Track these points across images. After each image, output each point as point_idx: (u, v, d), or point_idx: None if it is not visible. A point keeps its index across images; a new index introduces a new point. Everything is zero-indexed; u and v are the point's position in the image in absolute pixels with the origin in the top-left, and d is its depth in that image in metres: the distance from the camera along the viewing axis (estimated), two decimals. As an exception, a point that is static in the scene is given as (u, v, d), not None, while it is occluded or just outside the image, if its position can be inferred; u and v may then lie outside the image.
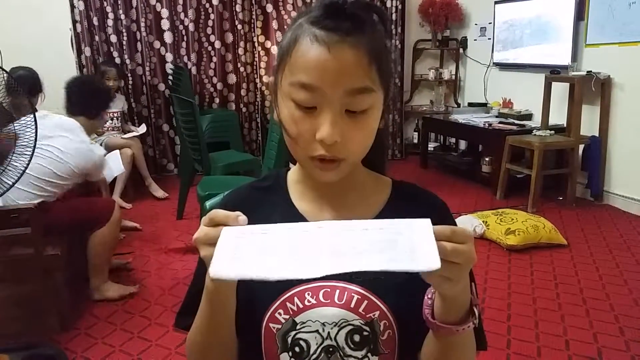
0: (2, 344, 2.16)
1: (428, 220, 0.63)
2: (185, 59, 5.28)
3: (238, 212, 0.67)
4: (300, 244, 0.62)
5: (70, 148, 2.69)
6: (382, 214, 0.85)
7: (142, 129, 4.85)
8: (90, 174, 2.89)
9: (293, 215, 0.85)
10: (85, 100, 2.94)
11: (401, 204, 0.86)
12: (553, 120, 4.52)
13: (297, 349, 0.79)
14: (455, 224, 0.88)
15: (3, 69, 2.55)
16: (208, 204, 1.08)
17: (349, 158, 0.77)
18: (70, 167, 2.68)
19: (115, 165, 3.91)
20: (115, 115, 4.59)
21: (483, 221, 3.58)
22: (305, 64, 0.73)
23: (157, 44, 5.20)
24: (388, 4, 5.80)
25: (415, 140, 6.16)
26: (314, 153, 0.75)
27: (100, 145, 4.43)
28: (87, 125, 2.91)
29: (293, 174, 0.91)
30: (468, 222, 3.57)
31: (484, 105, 5.56)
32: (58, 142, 2.66)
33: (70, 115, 2.88)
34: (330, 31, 0.72)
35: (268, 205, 0.88)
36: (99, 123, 3.21)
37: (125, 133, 4.66)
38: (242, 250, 0.62)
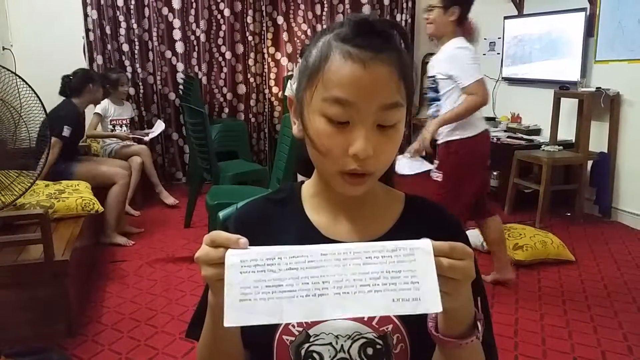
0: (10, 348, 2.17)
1: (429, 243, 0.64)
2: (196, 68, 5.34)
3: (238, 235, 0.67)
4: (305, 278, 0.63)
5: None
6: (395, 228, 0.86)
7: (161, 126, 4.80)
8: None
9: (308, 229, 0.86)
10: None
11: (414, 219, 0.87)
12: (562, 135, 4.52)
13: None
14: (467, 238, 0.89)
15: (18, 76, 2.59)
16: (221, 214, 1.08)
17: (377, 172, 0.78)
18: None
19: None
20: (125, 122, 4.60)
21: (490, 235, 3.56)
22: (339, 80, 0.74)
23: (168, 54, 5.26)
24: (398, 18, 5.83)
25: (423, 154, 6.14)
26: (345, 168, 0.76)
27: (110, 152, 4.47)
28: None
29: (308, 188, 0.91)
30: (475, 237, 3.56)
31: (493, 119, 5.55)
32: None
33: None
34: (363, 48, 0.74)
35: (283, 218, 0.88)
36: None
37: (135, 141, 4.66)
38: (251, 290, 0.63)
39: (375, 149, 0.74)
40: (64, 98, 3.79)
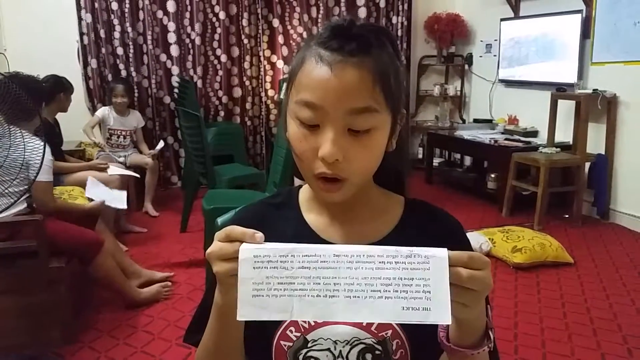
0: (6, 356, 2.15)
1: (445, 253, 0.62)
2: (191, 72, 5.31)
3: (254, 230, 0.67)
4: (317, 278, 0.63)
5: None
6: (395, 232, 0.85)
7: (160, 145, 4.69)
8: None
9: (305, 232, 0.86)
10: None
11: (414, 222, 0.86)
12: (559, 137, 4.52)
13: None
14: (469, 243, 0.88)
15: (12, 80, 2.57)
16: (220, 220, 1.06)
17: (352, 178, 0.77)
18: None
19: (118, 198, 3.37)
20: (124, 133, 4.45)
21: (489, 238, 3.56)
22: (309, 83, 0.74)
23: (163, 57, 5.23)
24: (394, 20, 5.83)
25: (420, 156, 6.15)
26: (316, 171, 0.76)
27: (125, 164, 4.33)
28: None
29: (305, 191, 0.91)
30: (474, 239, 3.55)
31: (490, 121, 5.56)
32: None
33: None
34: (334, 51, 0.74)
35: (280, 221, 0.88)
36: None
37: (140, 152, 4.58)
38: (263, 286, 0.64)
39: (346, 153, 0.74)
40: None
